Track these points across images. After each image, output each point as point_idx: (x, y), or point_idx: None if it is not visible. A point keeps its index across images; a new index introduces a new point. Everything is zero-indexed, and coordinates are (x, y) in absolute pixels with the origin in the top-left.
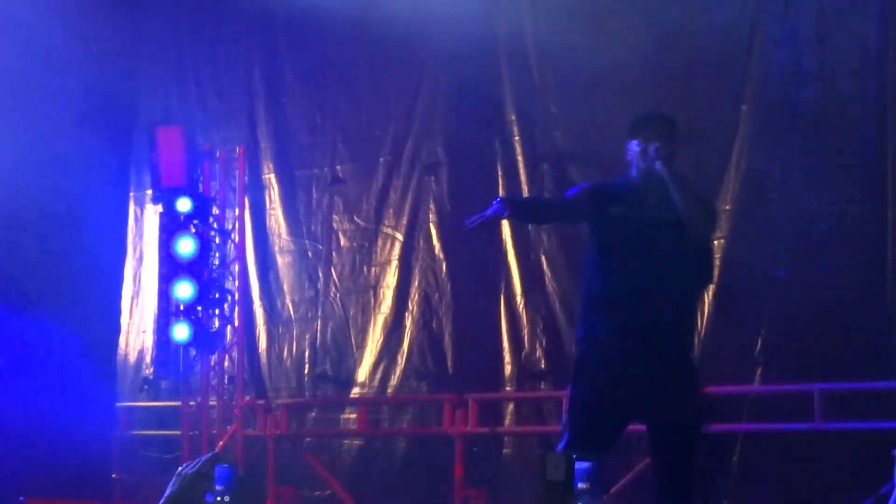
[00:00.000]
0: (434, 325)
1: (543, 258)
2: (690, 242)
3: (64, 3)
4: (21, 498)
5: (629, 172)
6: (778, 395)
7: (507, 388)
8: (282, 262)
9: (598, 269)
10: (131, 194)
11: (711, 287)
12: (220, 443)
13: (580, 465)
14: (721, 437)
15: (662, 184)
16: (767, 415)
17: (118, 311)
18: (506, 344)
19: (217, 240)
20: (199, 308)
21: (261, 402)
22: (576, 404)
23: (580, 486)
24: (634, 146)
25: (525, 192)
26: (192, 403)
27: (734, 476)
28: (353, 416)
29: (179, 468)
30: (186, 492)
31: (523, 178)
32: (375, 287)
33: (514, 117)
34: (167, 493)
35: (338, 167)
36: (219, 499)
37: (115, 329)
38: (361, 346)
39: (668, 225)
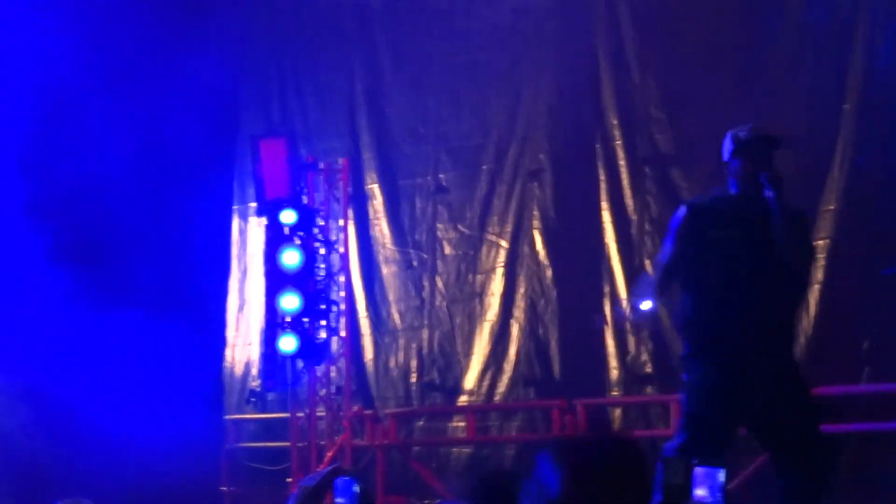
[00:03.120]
0: (540, 332)
1: (647, 262)
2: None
3: (164, 16)
4: None
5: (729, 187)
6: (887, 395)
7: (614, 393)
8: (387, 271)
9: (696, 285)
10: (235, 207)
11: (817, 287)
12: (329, 453)
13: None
14: (831, 438)
15: (765, 207)
16: (876, 414)
17: (224, 324)
18: (611, 349)
19: (322, 251)
20: (306, 319)
21: (369, 412)
22: (688, 414)
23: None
24: (737, 164)
25: (628, 196)
26: (300, 415)
27: (846, 477)
28: (462, 424)
29: (300, 481)
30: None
31: (626, 182)
32: (481, 295)
33: (615, 122)
34: None
35: (441, 176)
36: None
37: (222, 342)
38: (468, 354)
39: (765, 243)
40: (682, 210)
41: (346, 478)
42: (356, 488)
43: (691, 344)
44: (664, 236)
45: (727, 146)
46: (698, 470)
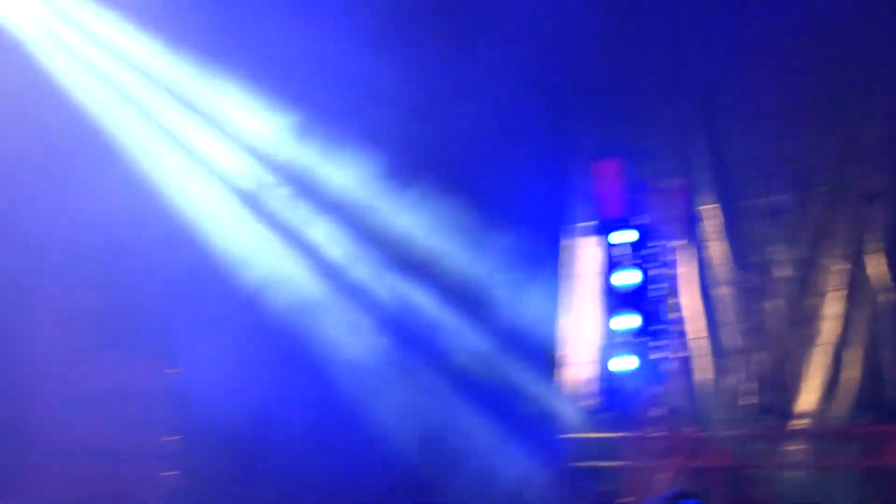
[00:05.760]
0: (878, 357)
1: None
2: None
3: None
4: None
5: None
6: None
7: None
8: (720, 293)
9: None
10: (567, 226)
11: None
12: (663, 475)
13: None
14: None
15: None
16: None
17: (555, 343)
18: None
19: (657, 271)
20: (641, 340)
21: (703, 433)
22: None
23: None
24: None
25: None
26: (634, 435)
27: None
28: (797, 447)
29: (644, 502)
30: None
31: None
32: (817, 318)
33: None
34: None
35: (776, 197)
36: None
37: (556, 361)
38: (803, 377)
39: None
40: None
41: (692, 500)
42: None
43: None
44: None
45: None
46: None
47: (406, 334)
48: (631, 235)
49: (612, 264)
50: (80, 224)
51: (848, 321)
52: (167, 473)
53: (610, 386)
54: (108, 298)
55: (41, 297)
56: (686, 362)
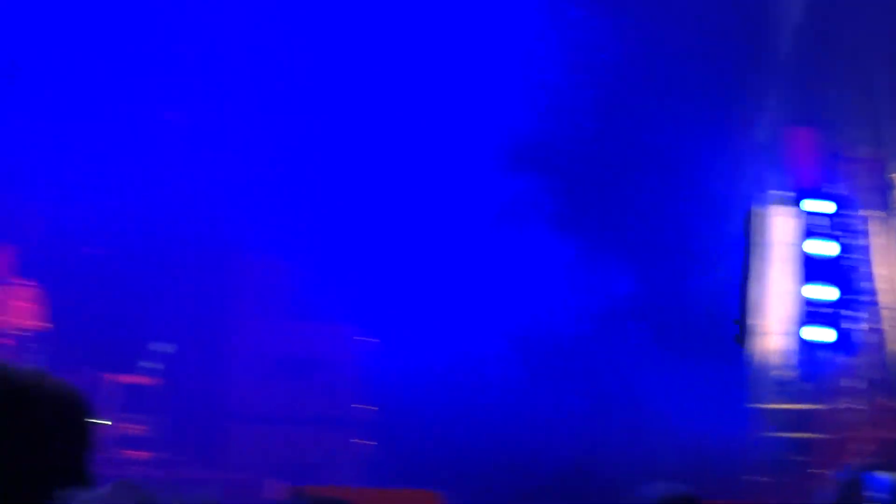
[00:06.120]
0: None
1: None
2: None
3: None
4: None
5: None
6: None
7: None
8: None
9: None
10: (757, 194)
11: None
12: (860, 446)
13: None
14: None
15: None
16: None
17: (748, 312)
18: None
19: (853, 241)
20: (839, 310)
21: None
22: None
23: None
24: None
25: None
26: (831, 406)
27: None
28: None
29: (836, 474)
30: (845, 498)
31: None
32: None
33: None
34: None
35: None
36: None
37: (745, 330)
38: None
39: None
40: None
41: (882, 473)
42: (892, 483)
43: None
44: None
45: None
46: None
47: (596, 302)
48: (826, 205)
49: (807, 234)
50: None
51: None
52: (361, 441)
53: (804, 357)
54: (301, 266)
55: (235, 265)
56: (881, 333)
